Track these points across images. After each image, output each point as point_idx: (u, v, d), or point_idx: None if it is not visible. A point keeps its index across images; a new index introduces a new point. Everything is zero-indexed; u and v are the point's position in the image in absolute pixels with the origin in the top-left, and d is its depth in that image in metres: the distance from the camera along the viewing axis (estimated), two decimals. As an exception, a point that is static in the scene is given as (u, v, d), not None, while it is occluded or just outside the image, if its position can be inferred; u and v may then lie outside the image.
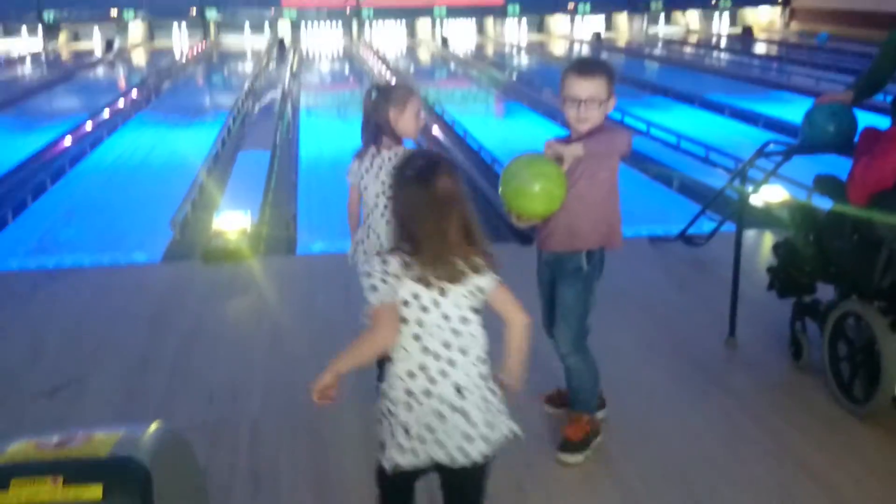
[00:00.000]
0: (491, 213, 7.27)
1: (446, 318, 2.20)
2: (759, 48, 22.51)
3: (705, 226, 5.97)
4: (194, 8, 24.50)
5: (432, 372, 2.20)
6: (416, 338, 2.20)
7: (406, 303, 2.18)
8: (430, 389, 2.20)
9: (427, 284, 2.17)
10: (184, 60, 21.20)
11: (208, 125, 11.98)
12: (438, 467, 2.26)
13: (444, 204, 2.16)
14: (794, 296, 4.08)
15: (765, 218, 6.06)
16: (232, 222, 6.09)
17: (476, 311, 2.24)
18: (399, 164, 2.27)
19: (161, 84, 17.00)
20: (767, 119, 11.40)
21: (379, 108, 3.43)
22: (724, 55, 21.42)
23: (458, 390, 2.21)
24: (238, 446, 3.51)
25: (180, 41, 25.10)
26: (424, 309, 2.19)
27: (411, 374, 2.21)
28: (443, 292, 2.19)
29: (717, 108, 12.86)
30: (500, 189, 2.94)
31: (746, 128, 11.38)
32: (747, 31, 25.06)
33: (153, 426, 2.17)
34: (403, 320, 2.19)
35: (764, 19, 26.83)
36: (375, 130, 3.43)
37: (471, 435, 2.22)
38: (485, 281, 2.22)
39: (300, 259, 6.06)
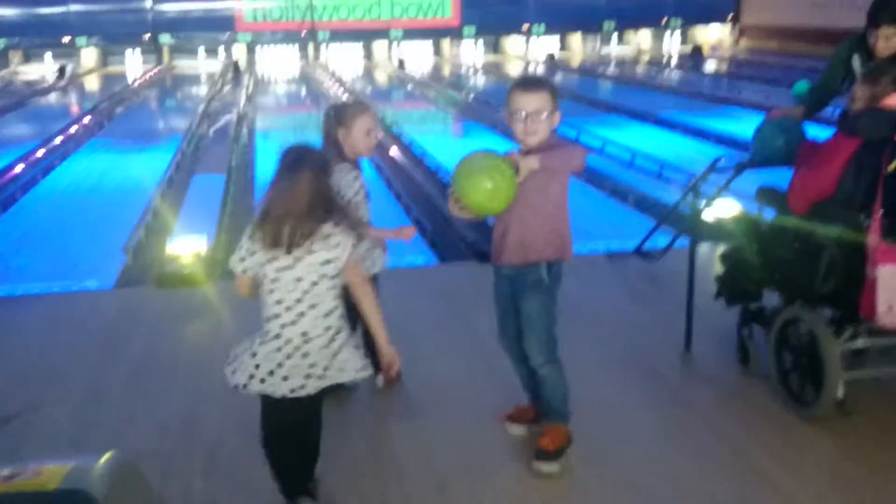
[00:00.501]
0: (450, 234, 7.28)
1: (298, 280, 2.81)
2: (710, 65, 22.94)
3: (661, 241, 6.03)
4: (148, 34, 24.30)
5: (283, 319, 2.83)
6: (271, 292, 2.84)
7: (264, 265, 2.82)
8: (280, 333, 2.84)
9: (274, 253, 2.80)
10: (137, 85, 20.98)
11: (162, 149, 11.84)
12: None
13: (290, 180, 2.78)
14: (741, 303, 4.17)
15: (718, 232, 6.13)
16: (186, 247, 6.01)
17: (329, 276, 2.83)
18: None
19: (114, 109, 16.79)
20: (719, 135, 11.59)
21: (331, 128, 3.53)
22: (675, 73, 21.80)
23: (304, 336, 2.82)
24: (193, 475, 3.45)
25: (134, 66, 24.85)
26: (278, 270, 2.81)
27: (268, 319, 2.87)
28: (296, 260, 2.79)
29: (669, 125, 13.05)
30: (455, 169, 3.10)
31: (699, 144, 11.55)
32: (697, 49, 25.54)
33: (106, 456, 2.12)
34: (265, 277, 2.85)
35: (713, 37, 27.38)
36: (331, 149, 3.48)
37: (310, 374, 2.84)
38: (333, 254, 2.81)
39: (256, 283, 5.99)
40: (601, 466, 3.44)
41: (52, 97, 20.02)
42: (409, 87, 20.52)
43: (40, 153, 11.57)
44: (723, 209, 5.18)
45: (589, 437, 3.64)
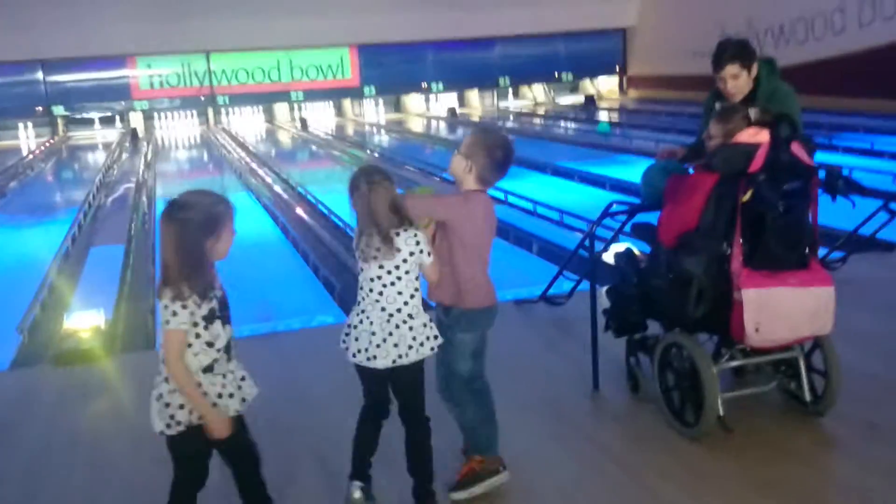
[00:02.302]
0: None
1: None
2: (602, 115, 23.78)
3: (566, 285, 6.17)
4: (41, 106, 23.68)
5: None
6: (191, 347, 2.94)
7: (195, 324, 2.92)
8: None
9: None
10: (31, 158, 20.35)
11: (58, 223, 11.48)
12: None
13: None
14: (627, 334, 4.41)
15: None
16: (84, 321, 5.82)
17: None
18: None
19: (7, 185, 16.23)
20: (613, 181, 11.99)
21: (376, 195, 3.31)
22: (570, 124, 22.50)
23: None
24: (99, 558, 3.30)
25: (27, 139, 24.12)
26: (195, 325, 2.91)
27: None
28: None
29: (567, 175, 13.44)
30: None
31: (595, 191, 11.92)
32: (590, 100, 26.47)
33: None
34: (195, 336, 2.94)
35: (604, 88, 28.46)
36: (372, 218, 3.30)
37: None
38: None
39: (157, 355, 5.82)
40: (517, 512, 3.46)
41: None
42: (313, 147, 20.55)
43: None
44: (619, 250, 5.35)
45: (509, 482, 3.66)
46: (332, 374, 4.98)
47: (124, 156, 19.62)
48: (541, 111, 26.00)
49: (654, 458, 3.83)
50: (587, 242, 4.85)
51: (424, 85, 26.74)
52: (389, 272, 3.31)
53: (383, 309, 3.31)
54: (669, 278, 3.91)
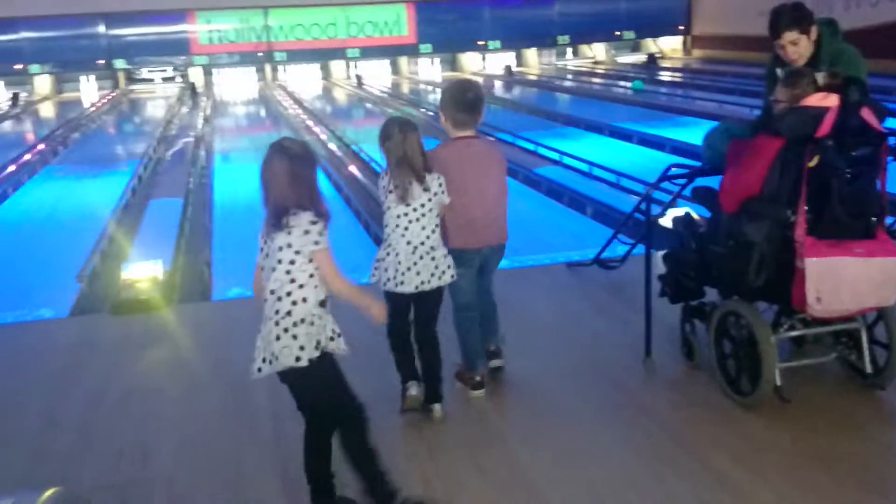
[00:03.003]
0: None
1: (264, 268, 3.01)
2: (664, 76, 23.24)
3: (620, 249, 6.07)
4: (103, 59, 24.04)
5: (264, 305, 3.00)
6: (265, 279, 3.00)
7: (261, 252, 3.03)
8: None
9: (262, 244, 3.01)
10: (93, 111, 20.72)
11: (118, 175, 11.70)
12: None
13: (266, 176, 2.95)
14: (683, 301, 4.33)
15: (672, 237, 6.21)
16: (142, 272, 5.91)
17: (289, 261, 2.92)
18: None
19: (69, 136, 16.56)
20: (674, 144, 11.73)
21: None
22: (630, 84, 22.04)
23: (264, 320, 2.98)
24: (150, 505, 3.37)
25: (89, 92, 24.55)
26: (263, 260, 3.02)
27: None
28: (268, 251, 2.98)
29: (625, 136, 13.19)
30: None
31: (654, 153, 11.69)
32: (652, 60, 25.87)
33: (49, 492, 2.06)
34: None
35: (666, 47, 27.77)
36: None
37: (265, 357, 2.98)
38: (294, 239, 2.92)
39: (215, 305, 5.92)
40: (563, 472, 3.44)
41: (6, 125, 19.70)
42: (368, 105, 20.52)
43: (-8, 182, 11.38)
44: (677, 215, 5.23)
45: (553, 447, 3.65)
46: (381, 327, 5.00)
47: (184, 110, 19.84)
48: (600, 70, 25.52)
49: (707, 427, 3.76)
50: (644, 205, 4.74)
51: (481, 43, 26.41)
52: (415, 209, 3.71)
53: (409, 242, 3.72)
54: (729, 245, 3.81)
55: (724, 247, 3.85)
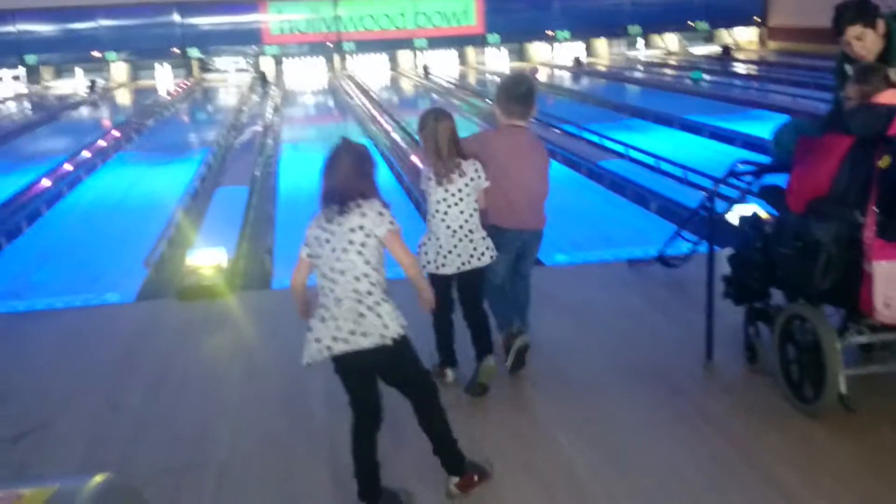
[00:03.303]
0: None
1: (333, 249, 3.06)
2: (738, 68, 22.66)
3: (684, 247, 5.94)
4: (177, 48, 24.59)
5: (325, 289, 3.08)
6: (316, 266, 3.12)
7: (309, 244, 3.15)
8: (322, 302, 3.10)
9: (323, 229, 3.09)
10: (167, 98, 21.23)
11: (189, 162, 11.94)
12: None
13: (333, 168, 3.12)
14: (747, 302, 4.19)
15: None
16: (206, 259, 6.02)
17: (360, 242, 3.04)
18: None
19: (143, 123, 16.99)
20: (745, 138, 11.42)
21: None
22: (704, 76, 21.56)
23: (337, 301, 3.04)
24: (203, 492, 3.42)
25: (164, 80, 25.17)
26: (320, 245, 3.09)
27: (320, 288, 3.12)
28: (332, 233, 3.07)
29: (695, 129, 12.91)
30: None
31: (725, 147, 11.40)
32: (726, 51, 25.26)
33: (97, 478, 2.08)
34: (310, 256, 3.15)
35: (741, 38, 27.08)
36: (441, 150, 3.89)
37: (336, 336, 3.04)
38: (368, 221, 3.05)
39: (275, 293, 5.98)
40: (616, 475, 3.38)
41: (83, 111, 20.32)
42: (434, 95, 20.53)
43: (67, 167, 11.72)
44: (744, 213, 5.08)
45: (606, 449, 3.58)
46: (426, 318, 4.99)
47: (254, 99, 20.15)
48: (672, 61, 25.03)
49: (766, 433, 3.64)
50: (708, 202, 4.61)
51: (550, 33, 26.15)
52: (453, 195, 3.86)
53: (448, 226, 3.88)
54: (796, 246, 3.67)
55: (791, 248, 3.72)
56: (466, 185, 3.87)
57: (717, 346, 4.31)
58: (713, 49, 26.38)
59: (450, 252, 3.91)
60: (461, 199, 3.87)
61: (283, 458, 3.64)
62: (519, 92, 4.10)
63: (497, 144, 4.12)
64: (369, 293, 3.04)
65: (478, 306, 4.12)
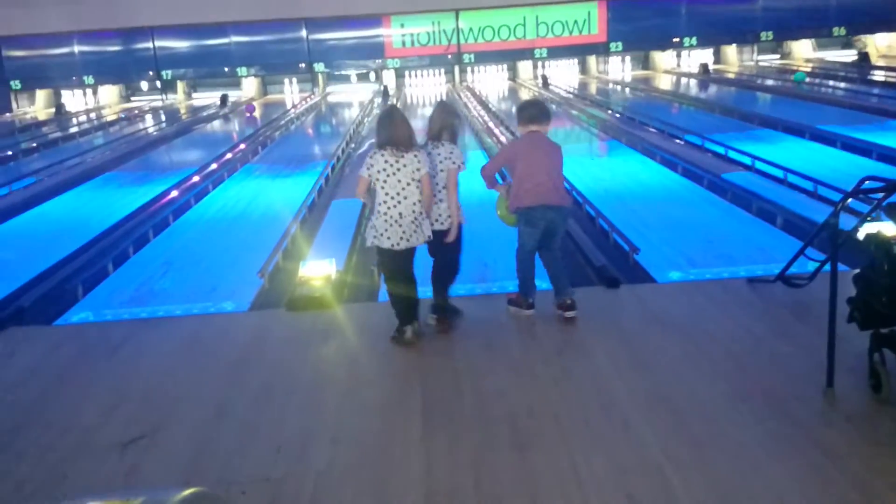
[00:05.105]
0: (579, 257, 7.09)
1: (399, 181, 4.78)
2: (876, 75, 21.40)
3: (810, 266, 5.60)
4: (304, 62, 25.39)
5: (388, 205, 4.81)
6: (382, 188, 4.79)
7: (377, 170, 4.82)
8: (386, 211, 4.83)
9: (389, 162, 4.79)
10: (293, 111, 21.93)
11: (309, 174, 12.25)
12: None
13: (390, 122, 4.90)
14: (873, 327, 3.92)
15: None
16: (317, 270, 6.12)
17: (417, 179, 4.81)
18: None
19: (271, 135, 17.58)
20: (883, 150, 10.74)
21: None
22: (839, 83, 20.50)
23: (400, 215, 4.81)
24: (299, 503, 3.44)
25: (291, 94, 26.01)
26: (387, 175, 4.79)
27: (383, 202, 4.83)
28: (397, 169, 4.78)
29: (828, 140, 12.24)
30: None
31: (859, 160, 10.76)
32: (863, 58, 23.92)
33: (186, 492, 2.10)
34: (377, 180, 4.82)
35: (881, 44, 25.60)
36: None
37: (402, 237, 4.85)
38: (422, 165, 4.82)
39: (381, 306, 6.01)
40: (721, 514, 3.18)
41: (215, 125, 21.25)
42: (553, 106, 20.35)
43: (196, 178, 12.24)
44: (871, 231, 4.73)
45: (710, 476, 3.39)
46: (532, 335, 4.90)
47: (375, 112, 20.53)
48: (805, 69, 23.92)
49: (890, 469, 3.35)
50: (833, 218, 4.31)
51: (676, 40, 25.48)
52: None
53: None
54: None
55: None
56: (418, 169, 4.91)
57: (839, 372, 4.02)
58: (849, 55, 25.04)
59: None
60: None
61: (378, 472, 3.63)
62: (532, 110, 5.31)
63: (522, 145, 5.30)
64: (421, 213, 4.85)
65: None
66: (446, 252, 5.14)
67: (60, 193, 12.12)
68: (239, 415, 4.27)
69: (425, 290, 5.15)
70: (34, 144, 18.29)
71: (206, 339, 5.36)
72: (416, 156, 4.77)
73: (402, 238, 4.79)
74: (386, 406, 4.29)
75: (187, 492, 2.13)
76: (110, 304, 6.79)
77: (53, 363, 5.10)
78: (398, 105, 21.09)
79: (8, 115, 25.16)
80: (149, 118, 23.17)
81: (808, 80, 20.22)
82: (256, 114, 22.66)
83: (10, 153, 16.96)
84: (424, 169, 4.77)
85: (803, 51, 26.33)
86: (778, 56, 26.74)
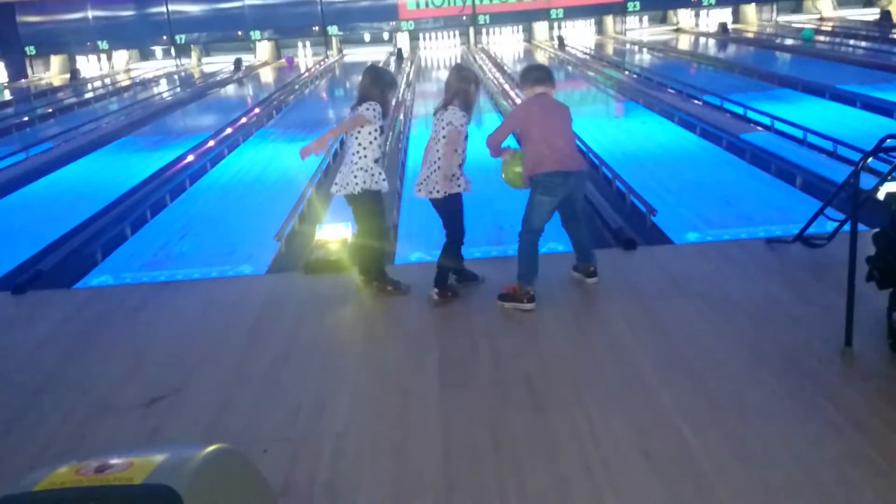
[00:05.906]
0: (596, 219, 7.06)
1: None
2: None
3: (829, 226, 5.56)
4: (317, 26, 25.23)
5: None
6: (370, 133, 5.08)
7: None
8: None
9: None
10: (306, 75, 21.82)
11: (324, 138, 12.17)
12: None
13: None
14: (892, 286, 3.87)
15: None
16: (333, 234, 6.13)
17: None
18: None
19: (285, 99, 17.51)
20: (905, 109, 10.59)
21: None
22: (860, 42, 20.15)
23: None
24: (319, 461, 3.48)
25: (305, 57, 25.87)
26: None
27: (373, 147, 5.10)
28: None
29: (848, 100, 12.07)
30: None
31: (880, 119, 10.60)
32: (885, 16, 23.48)
33: (208, 449, 2.12)
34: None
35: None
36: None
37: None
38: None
39: (398, 269, 6.03)
40: (740, 466, 3.19)
41: (229, 89, 21.19)
42: (569, 67, 20.14)
43: (211, 143, 12.23)
44: (891, 190, 4.68)
45: (730, 438, 3.40)
46: (548, 297, 4.90)
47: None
48: (826, 27, 23.52)
49: (910, 430, 3.35)
50: (853, 178, 4.26)
51: (695, -1, 25.11)
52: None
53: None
54: None
55: None
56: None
57: (858, 332, 4.00)
58: (871, 14, 24.58)
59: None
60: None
61: (397, 433, 3.66)
62: (538, 72, 5.11)
63: (534, 108, 4.97)
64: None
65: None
66: (443, 221, 5.14)
67: (77, 159, 12.16)
68: (258, 376, 4.31)
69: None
70: (50, 110, 18.33)
71: (224, 302, 5.40)
72: (368, 108, 4.97)
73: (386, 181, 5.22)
74: (403, 367, 4.32)
75: (211, 448, 2.15)
76: (129, 268, 6.83)
77: (73, 326, 5.15)
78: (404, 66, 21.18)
79: (23, 80, 25.22)
80: (163, 82, 23.13)
81: (815, 37, 19.84)
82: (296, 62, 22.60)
83: (26, 119, 17.01)
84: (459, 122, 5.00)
85: (824, 9, 25.86)
86: (798, 14, 26.27)
